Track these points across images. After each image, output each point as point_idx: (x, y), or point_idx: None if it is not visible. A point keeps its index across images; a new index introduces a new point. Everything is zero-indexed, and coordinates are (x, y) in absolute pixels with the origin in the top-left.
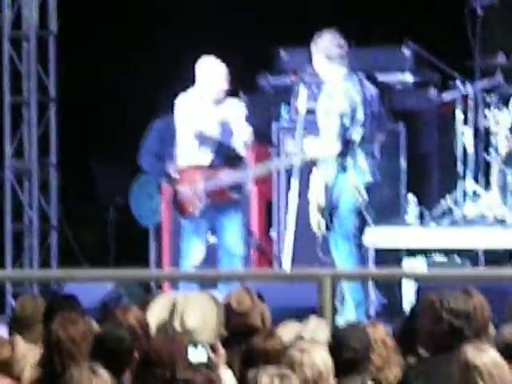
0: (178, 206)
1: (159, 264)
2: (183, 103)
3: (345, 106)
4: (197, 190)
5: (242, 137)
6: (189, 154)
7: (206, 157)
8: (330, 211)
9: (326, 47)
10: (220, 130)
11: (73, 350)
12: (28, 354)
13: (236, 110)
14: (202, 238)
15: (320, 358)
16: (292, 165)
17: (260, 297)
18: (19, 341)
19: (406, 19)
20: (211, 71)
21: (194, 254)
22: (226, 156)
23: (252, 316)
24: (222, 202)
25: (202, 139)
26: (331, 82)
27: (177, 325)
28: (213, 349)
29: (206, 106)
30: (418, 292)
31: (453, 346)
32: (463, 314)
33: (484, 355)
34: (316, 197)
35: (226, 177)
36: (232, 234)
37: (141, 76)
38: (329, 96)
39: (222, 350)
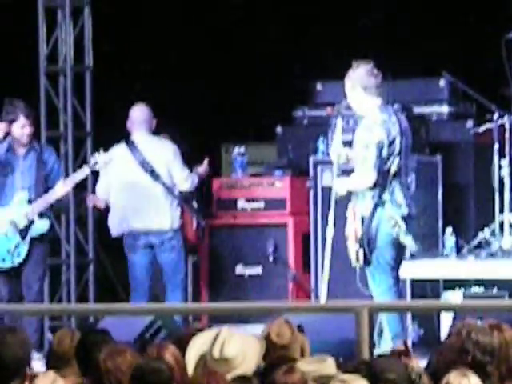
0: None
1: (197, 297)
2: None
3: (383, 137)
4: None
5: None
6: None
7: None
8: (368, 244)
9: (362, 78)
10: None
11: (120, 379)
12: None
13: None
14: None
15: None
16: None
17: (300, 329)
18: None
19: (443, 50)
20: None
21: None
22: None
23: (292, 349)
24: None
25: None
26: (368, 113)
27: (216, 352)
28: None
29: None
30: (454, 323)
31: None
32: (489, 349)
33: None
34: (354, 229)
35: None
36: None
37: (178, 109)
38: (366, 127)
39: None
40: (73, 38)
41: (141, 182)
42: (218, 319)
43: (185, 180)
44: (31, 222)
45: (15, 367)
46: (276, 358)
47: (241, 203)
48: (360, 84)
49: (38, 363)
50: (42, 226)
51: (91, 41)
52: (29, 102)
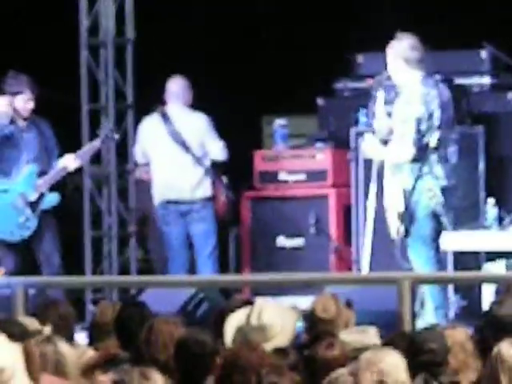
0: None
1: (239, 269)
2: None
3: (422, 111)
4: None
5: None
6: None
7: None
8: (408, 216)
9: (404, 50)
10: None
11: (165, 350)
12: None
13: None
14: None
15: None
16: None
17: (349, 303)
18: None
19: (485, 22)
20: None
21: None
22: None
23: (336, 323)
24: None
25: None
26: (408, 86)
27: (254, 319)
28: None
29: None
30: (497, 294)
31: None
32: None
33: None
34: (393, 202)
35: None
36: None
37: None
38: (406, 101)
39: None
40: (114, 10)
41: (171, 152)
42: (259, 291)
43: (220, 150)
44: (42, 195)
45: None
46: (320, 332)
47: (282, 175)
48: (402, 57)
49: (79, 335)
50: (52, 198)
51: (132, 13)
52: (70, 75)
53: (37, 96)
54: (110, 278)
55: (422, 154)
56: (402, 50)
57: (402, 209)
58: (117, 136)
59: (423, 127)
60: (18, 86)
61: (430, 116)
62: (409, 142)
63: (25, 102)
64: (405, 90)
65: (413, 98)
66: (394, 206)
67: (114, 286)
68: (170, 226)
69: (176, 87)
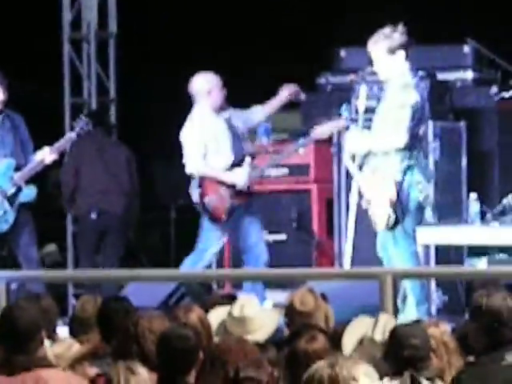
0: (212, 215)
1: (220, 263)
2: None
3: (418, 99)
4: (223, 196)
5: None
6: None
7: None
8: (400, 208)
9: (402, 39)
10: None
11: (149, 344)
12: None
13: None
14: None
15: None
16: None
17: (324, 297)
18: None
19: (467, 17)
20: (208, 86)
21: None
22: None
23: (315, 316)
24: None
25: (219, 146)
26: (397, 76)
27: (236, 311)
28: None
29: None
30: (478, 289)
31: (495, 348)
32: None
33: None
34: (388, 194)
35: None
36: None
37: None
38: (402, 88)
39: None
40: (97, 3)
41: None
42: (241, 286)
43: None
44: (19, 189)
45: (29, 332)
46: (300, 325)
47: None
48: (401, 46)
49: (61, 329)
50: (30, 192)
51: (115, 6)
52: (52, 69)
53: (8, 88)
54: (92, 273)
55: (413, 142)
56: (399, 39)
57: (394, 197)
58: (91, 128)
59: (417, 116)
60: None
61: (422, 106)
62: (404, 128)
63: None
64: (395, 79)
65: (408, 86)
66: (384, 195)
67: (95, 280)
68: None
69: (189, 86)
